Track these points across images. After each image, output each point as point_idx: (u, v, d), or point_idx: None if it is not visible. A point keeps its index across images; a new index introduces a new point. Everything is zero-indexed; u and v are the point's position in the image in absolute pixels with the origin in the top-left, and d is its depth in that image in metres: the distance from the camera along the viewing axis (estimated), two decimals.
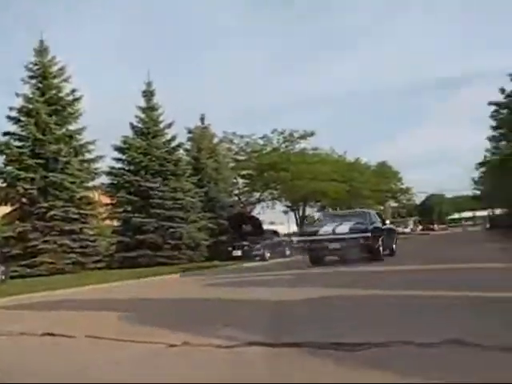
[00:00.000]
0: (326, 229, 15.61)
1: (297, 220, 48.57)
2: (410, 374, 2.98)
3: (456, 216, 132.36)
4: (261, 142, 37.23)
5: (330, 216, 20.59)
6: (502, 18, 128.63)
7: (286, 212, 52.59)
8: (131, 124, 25.30)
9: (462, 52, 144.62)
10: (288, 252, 26.18)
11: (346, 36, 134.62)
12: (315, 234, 15.79)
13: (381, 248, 15.46)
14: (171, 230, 23.38)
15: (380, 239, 15.41)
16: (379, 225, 16.53)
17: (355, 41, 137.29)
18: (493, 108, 33.20)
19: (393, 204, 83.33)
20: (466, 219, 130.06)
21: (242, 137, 36.46)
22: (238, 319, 5.46)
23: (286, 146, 37.52)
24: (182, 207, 24.12)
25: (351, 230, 15.04)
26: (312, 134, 37.54)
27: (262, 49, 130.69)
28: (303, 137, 37.44)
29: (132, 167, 24.86)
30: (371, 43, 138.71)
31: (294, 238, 30.81)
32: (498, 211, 76.81)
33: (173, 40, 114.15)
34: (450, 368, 3.08)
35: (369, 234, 14.78)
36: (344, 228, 15.28)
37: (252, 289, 9.53)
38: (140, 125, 25.37)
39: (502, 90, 30.81)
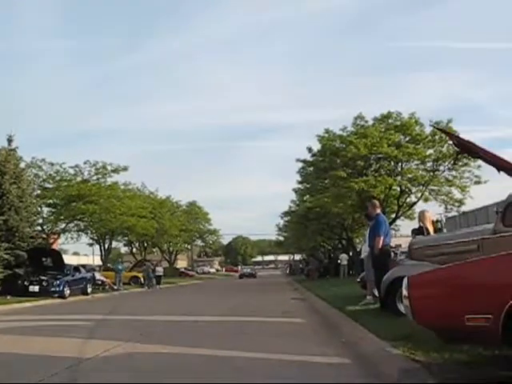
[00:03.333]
0: None
1: (102, 253, 47.32)
2: None
3: (259, 259, 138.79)
4: (72, 171, 35.93)
5: None
6: (309, 80, 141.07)
7: (91, 244, 51.08)
8: None
9: (276, 106, 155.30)
10: (90, 289, 25.39)
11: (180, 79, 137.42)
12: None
13: None
14: None
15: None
16: None
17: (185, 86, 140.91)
18: (300, 164, 36.13)
19: (200, 243, 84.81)
20: (268, 262, 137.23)
21: (52, 164, 34.86)
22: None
23: (98, 179, 36.58)
24: None
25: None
26: (125, 169, 37.10)
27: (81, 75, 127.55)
28: (116, 170, 36.83)
29: None
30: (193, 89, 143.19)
31: (97, 274, 29.96)
32: (297, 257, 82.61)
33: None
34: None
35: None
36: None
37: (43, 339, 8.80)
38: None
39: (309, 149, 33.54)
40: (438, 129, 26.18)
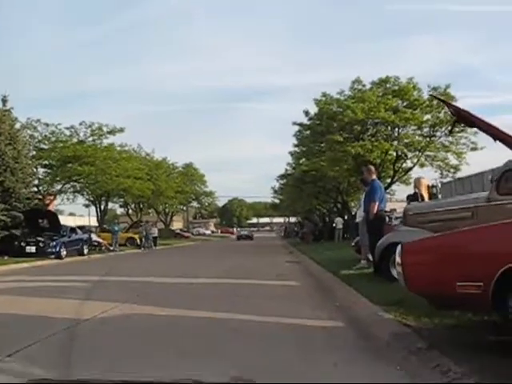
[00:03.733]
0: None
1: (98, 214, 47.47)
2: None
3: (255, 221, 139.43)
4: (67, 132, 35.76)
5: None
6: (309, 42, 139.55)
7: (87, 205, 51.20)
8: None
9: (274, 68, 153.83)
10: (86, 250, 25.56)
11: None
12: None
13: None
14: None
15: None
16: None
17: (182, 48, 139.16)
18: (297, 127, 36.04)
19: (196, 205, 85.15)
20: (263, 225, 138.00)
21: (47, 125, 34.62)
22: (25, 345, 5.07)
23: (94, 140, 36.44)
24: None
25: None
26: (121, 130, 36.96)
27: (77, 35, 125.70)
28: (112, 132, 36.68)
29: None
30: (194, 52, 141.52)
31: (93, 236, 30.11)
32: (292, 219, 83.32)
33: None
34: None
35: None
36: None
37: (41, 300, 8.89)
38: None
39: (306, 113, 33.37)
40: (435, 97, 26.04)
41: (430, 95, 27.37)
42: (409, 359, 4.37)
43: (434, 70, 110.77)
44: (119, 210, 69.60)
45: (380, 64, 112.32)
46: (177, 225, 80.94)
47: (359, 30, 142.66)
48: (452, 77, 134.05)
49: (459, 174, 29.97)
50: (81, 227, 31.20)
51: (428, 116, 29.44)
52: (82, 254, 24.83)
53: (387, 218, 11.71)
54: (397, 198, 39.68)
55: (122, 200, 54.36)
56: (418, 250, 4.85)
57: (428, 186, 12.66)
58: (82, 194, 42.64)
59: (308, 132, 35.32)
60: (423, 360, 4.20)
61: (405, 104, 29.48)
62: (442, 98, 27.10)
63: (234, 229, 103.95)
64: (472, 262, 4.30)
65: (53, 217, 24.99)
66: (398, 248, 4.87)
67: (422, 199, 11.38)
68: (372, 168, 11.89)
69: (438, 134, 29.72)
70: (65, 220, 36.50)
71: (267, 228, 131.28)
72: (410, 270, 4.70)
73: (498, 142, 5.77)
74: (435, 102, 27.73)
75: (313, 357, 4.75)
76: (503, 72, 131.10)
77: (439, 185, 27.45)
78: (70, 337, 5.61)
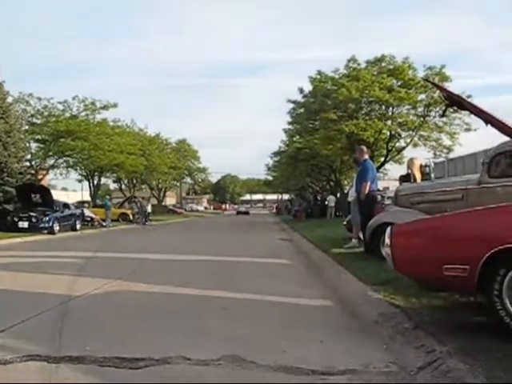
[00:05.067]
0: None
1: (91, 189, 47.39)
2: None
3: (248, 197, 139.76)
4: (60, 107, 35.50)
5: None
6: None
7: (80, 180, 51.12)
8: None
9: (270, 44, 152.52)
10: (79, 226, 25.58)
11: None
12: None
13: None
14: None
15: None
16: None
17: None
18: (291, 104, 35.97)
19: (189, 181, 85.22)
20: (257, 201, 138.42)
21: (40, 99, 34.37)
22: (18, 321, 5.14)
23: (87, 115, 36.21)
24: None
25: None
26: (115, 106, 36.71)
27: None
28: (105, 107, 36.44)
29: None
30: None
31: (86, 211, 30.08)
32: (286, 197, 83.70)
33: None
34: None
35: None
36: None
37: (33, 276, 8.93)
38: None
39: (301, 90, 33.28)
40: (428, 81, 25.99)
41: (423, 79, 27.28)
42: (395, 338, 4.46)
43: (433, 49, 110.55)
44: (112, 186, 69.62)
45: (377, 42, 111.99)
46: (170, 201, 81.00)
47: (358, 7, 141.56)
48: (449, 57, 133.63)
49: (452, 155, 30.07)
50: (82, 202, 31.13)
51: (422, 96, 29.39)
52: (75, 230, 24.88)
53: (379, 198, 11.77)
54: (390, 176, 39.91)
55: (114, 175, 54.26)
56: (406, 232, 4.91)
57: (421, 166, 12.72)
58: (75, 169, 42.56)
59: (302, 110, 35.22)
60: (409, 340, 4.28)
61: (399, 83, 29.39)
62: (437, 78, 27.14)
63: (226, 205, 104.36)
64: (459, 246, 4.36)
65: (45, 192, 24.84)
66: (388, 229, 4.93)
67: (415, 180, 11.45)
68: (364, 148, 11.91)
69: (432, 114, 29.70)
70: (57, 195, 36.40)
71: (260, 205, 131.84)
72: (398, 252, 4.77)
73: (489, 125, 5.84)
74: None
75: (300, 334, 4.83)
76: (502, 53, 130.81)
77: (432, 164, 27.50)
78: (63, 313, 5.66)
